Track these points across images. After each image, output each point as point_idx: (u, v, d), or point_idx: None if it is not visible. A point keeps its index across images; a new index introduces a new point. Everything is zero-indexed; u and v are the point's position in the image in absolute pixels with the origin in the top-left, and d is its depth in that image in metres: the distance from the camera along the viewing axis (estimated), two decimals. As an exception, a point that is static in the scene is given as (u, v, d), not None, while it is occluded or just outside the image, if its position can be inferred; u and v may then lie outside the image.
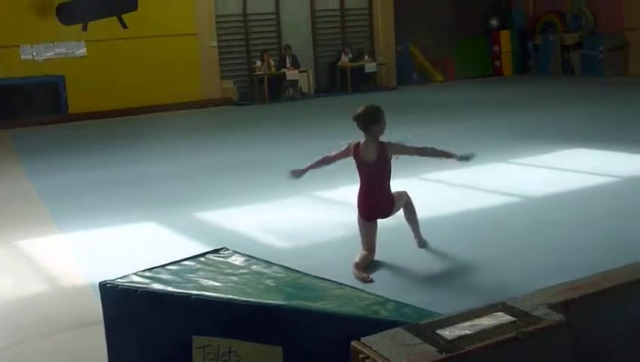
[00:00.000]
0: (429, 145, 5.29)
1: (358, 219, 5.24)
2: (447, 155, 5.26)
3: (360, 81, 18.27)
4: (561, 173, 7.85)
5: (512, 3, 21.19)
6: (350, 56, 18.41)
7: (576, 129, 10.59)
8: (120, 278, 3.23)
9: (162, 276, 3.18)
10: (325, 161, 5.38)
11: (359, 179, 5.22)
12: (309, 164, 5.41)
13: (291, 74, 17.44)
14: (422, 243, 5.49)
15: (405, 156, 5.26)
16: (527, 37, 20.53)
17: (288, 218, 6.65)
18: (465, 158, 5.26)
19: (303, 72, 17.83)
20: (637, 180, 7.34)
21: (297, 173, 5.43)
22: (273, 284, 2.97)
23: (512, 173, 8.06)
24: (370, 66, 18.15)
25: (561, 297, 2.23)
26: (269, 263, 3.27)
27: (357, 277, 4.82)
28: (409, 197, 5.42)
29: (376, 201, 5.17)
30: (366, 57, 18.44)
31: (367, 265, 5.06)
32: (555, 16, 20.03)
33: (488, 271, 4.93)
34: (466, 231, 5.92)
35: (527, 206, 6.64)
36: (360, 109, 5.07)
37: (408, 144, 5.32)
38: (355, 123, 5.06)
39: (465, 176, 7.84)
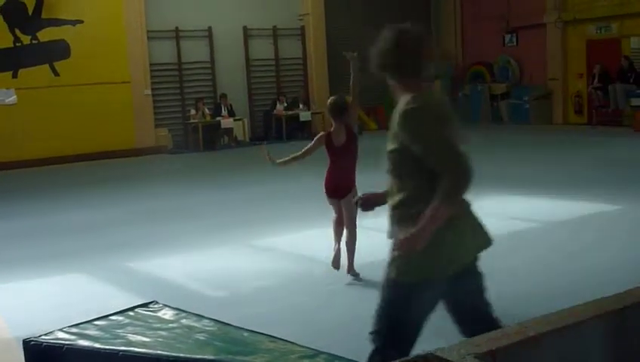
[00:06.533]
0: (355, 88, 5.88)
1: (326, 197, 5.90)
2: (354, 74, 5.83)
3: (295, 130, 18.41)
4: (488, 220, 8.00)
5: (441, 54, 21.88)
6: (285, 104, 18.57)
7: (503, 175, 10.89)
8: (45, 335, 3.13)
9: (89, 332, 3.09)
10: (307, 153, 5.94)
11: (329, 162, 5.85)
12: (292, 156, 5.93)
13: (226, 122, 17.47)
14: (354, 273, 5.93)
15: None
16: (457, 86, 21.17)
17: (220, 267, 6.59)
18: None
19: (238, 120, 17.88)
20: (558, 225, 7.56)
21: (279, 163, 5.98)
22: (203, 338, 2.93)
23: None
24: (305, 115, 18.34)
25: (487, 346, 2.27)
26: (200, 316, 3.23)
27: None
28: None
29: (340, 179, 5.80)
30: (301, 106, 18.64)
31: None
32: (483, 68, 20.76)
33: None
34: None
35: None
36: (332, 100, 5.84)
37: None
38: (330, 112, 5.78)
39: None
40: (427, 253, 2.88)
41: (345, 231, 5.89)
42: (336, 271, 5.92)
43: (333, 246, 5.97)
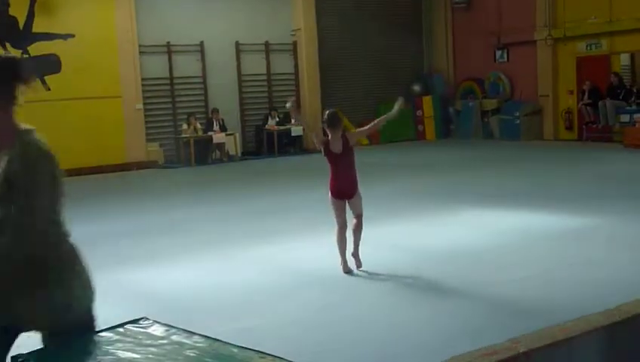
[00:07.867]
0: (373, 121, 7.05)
1: (330, 199, 6.55)
2: (388, 116, 6.93)
3: (287, 144, 18.43)
4: (478, 234, 8.03)
5: (433, 70, 21.99)
6: (277, 119, 18.60)
7: (495, 191, 10.93)
8: (34, 351, 3.10)
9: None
10: (317, 132, 6.94)
11: (331, 168, 6.54)
12: (305, 120, 6.93)
13: (218, 137, 17.48)
14: (358, 264, 6.56)
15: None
16: (448, 102, 21.28)
17: (210, 282, 6.56)
18: (400, 103, 6.73)
19: (230, 135, 17.89)
20: (547, 239, 7.56)
21: (295, 110, 7.31)
22: (193, 355, 2.91)
23: (428, 234, 8.18)
24: (296, 130, 18.36)
25: (477, 363, 2.27)
26: (190, 333, 3.20)
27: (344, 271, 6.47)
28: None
29: (343, 183, 6.52)
30: (292, 121, 18.67)
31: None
32: (474, 83, 20.88)
33: (407, 336, 4.94)
34: (387, 293, 5.96)
35: (441, 267, 6.67)
36: (327, 114, 6.62)
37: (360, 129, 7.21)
38: (326, 124, 6.53)
39: (387, 236, 7.94)
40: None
41: (354, 222, 6.55)
42: (328, 283, 6.19)
43: (340, 261, 6.51)
